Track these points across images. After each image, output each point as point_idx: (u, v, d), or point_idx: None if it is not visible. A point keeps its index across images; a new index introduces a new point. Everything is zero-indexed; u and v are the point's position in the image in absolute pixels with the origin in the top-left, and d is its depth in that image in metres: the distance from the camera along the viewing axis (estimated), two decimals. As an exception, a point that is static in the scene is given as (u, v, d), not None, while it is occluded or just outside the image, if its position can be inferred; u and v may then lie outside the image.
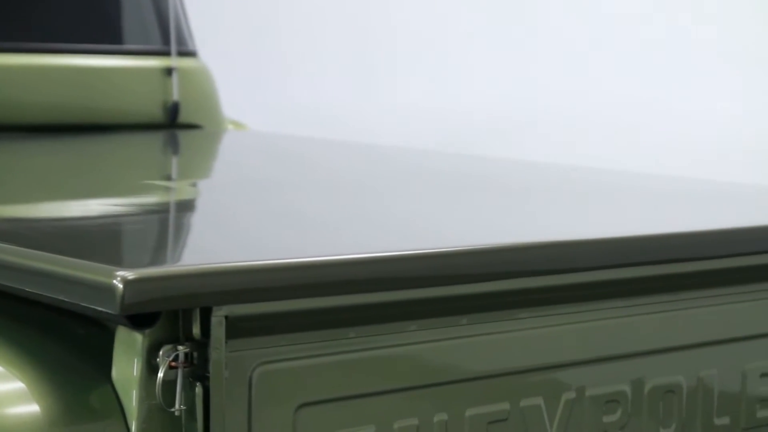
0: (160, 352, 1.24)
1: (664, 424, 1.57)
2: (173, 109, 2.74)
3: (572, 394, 1.50)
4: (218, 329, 1.23)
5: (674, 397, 1.58)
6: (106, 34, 2.76)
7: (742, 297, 1.63)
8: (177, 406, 1.25)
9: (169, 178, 2.27)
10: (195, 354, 1.25)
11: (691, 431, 1.60)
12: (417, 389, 1.39)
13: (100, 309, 1.21)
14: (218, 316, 1.23)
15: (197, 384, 1.25)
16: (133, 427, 1.25)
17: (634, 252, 1.50)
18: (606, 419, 1.53)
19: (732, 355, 1.63)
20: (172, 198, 1.92)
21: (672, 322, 1.57)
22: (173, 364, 1.24)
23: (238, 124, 3.13)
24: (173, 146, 2.78)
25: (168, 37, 2.76)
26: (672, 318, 1.57)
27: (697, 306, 1.59)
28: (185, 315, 1.25)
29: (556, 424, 1.49)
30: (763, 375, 1.65)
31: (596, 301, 1.50)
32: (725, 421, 1.63)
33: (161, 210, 1.79)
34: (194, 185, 2.14)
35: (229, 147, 2.89)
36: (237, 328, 1.25)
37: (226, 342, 1.24)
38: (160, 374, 1.24)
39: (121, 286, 1.17)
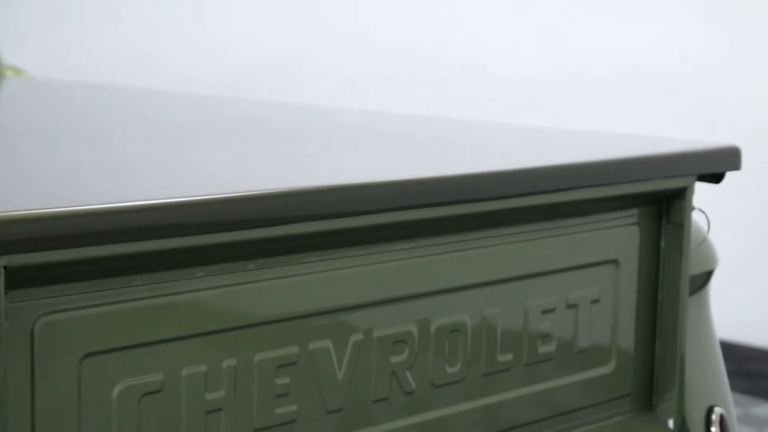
0: (-64, 306, 1.21)
1: (450, 363, 1.61)
2: (-53, 55, 2.64)
3: (360, 336, 1.51)
4: (-3, 280, 1.20)
5: (459, 336, 1.61)
6: None
7: (523, 236, 1.67)
8: (-44, 360, 1.21)
9: (-55, 126, 2.19)
10: (-26, 306, 1.22)
11: (476, 368, 1.63)
12: (205, 335, 1.39)
13: None
14: (-4, 267, 1.20)
15: (-24, 337, 1.22)
16: None
17: (417, 194, 1.52)
18: (394, 360, 1.55)
19: (514, 294, 1.67)
20: (-51, 147, 1.86)
21: (456, 263, 1.60)
22: (-50, 317, 1.21)
23: (17, 70, 3.04)
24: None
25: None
26: (456, 259, 1.60)
27: (480, 246, 1.62)
28: (-37, 266, 1.21)
29: (345, 365, 1.50)
30: (544, 312, 1.70)
31: (382, 244, 1.52)
32: (508, 357, 1.67)
33: (-63, 159, 1.73)
34: (-28, 133, 2.07)
35: (8, 94, 2.80)
36: (17, 279, 1.22)
37: (5, 293, 1.21)
38: (-63, 328, 1.21)
39: None
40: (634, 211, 1.79)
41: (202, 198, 1.35)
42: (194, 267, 1.37)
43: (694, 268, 1.88)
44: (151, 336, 1.34)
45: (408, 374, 1.56)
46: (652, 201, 1.81)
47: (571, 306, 1.73)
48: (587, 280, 1.75)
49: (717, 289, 2.26)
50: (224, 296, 1.40)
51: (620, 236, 1.78)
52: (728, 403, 1.96)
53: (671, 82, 5.08)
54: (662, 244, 1.82)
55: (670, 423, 1.83)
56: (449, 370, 1.61)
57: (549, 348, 1.71)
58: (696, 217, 1.87)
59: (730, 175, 1.84)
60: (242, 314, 1.42)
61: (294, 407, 1.46)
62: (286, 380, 1.45)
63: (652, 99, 5.12)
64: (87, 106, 2.60)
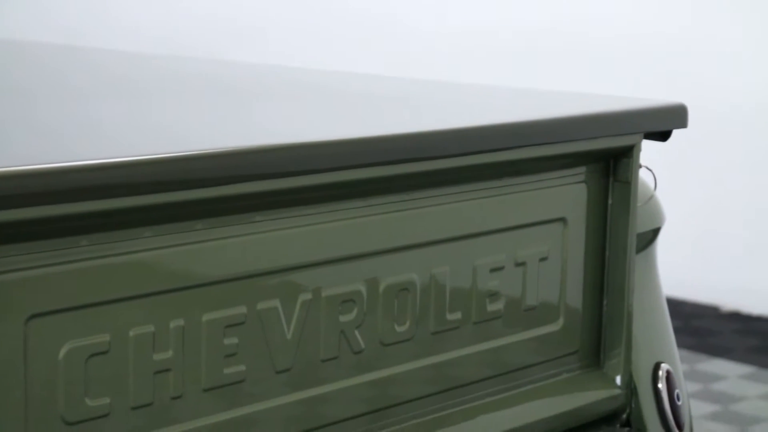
0: None
1: (398, 321, 1.61)
2: None
3: (308, 296, 1.51)
4: (-59, 241, 1.19)
5: (408, 295, 1.61)
6: None
7: (472, 195, 1.67)
8: None
9: None
10: None
11: (425, 327, 1.64)
12: (152, 296, 1.38)
13: None
14: (-59, 228, 1.19)
15: None
16: None
17: (365, 153, 1.51)
18: (342, 318, 1.55)
19: (462, 252, 1.67)
20: None
21: (404, 222, 1.60)
22: None
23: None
24: None
25: None
26: (404, 217, 1.60)
27: (428, 205, 1.62)
28: None
29: (293, 325, 1.50)
30: (493, 270, 1.70)
31: (330, 203, 1.51)
32: (457, 316, 1.67)
33: None
34: None
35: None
36: (-39, 240, 1.21)
37: (-51, 254, 1.20)
38: None
39: None
40: (582, 169, 1.80)
41: (148, 157, 1.34)
42: (141, 227, 1.36)
43: (641, 225, 1.89)
44: (98, 296, 1.33)
45: (357, 333, 1.56)
46: (600, 159, 1.81)
47: (520, 264, 1.74)
48: (535, 238, 1.76)
49: (664, 247, 2.27)
50: (171, 256, 1.39)
51: (568, 194, 1.79)
52: (675, 360, 1.98)
53: (625, 45, 5.10)
54: (609, 201, 1.83)
55: (618, 379, 1.85)
56: (398, 328, 1.61)
57: (497, 306, 1.72)
58: (643, 174, 1.88)
59: (676, 133, 1.84)
60: (190, 274, 1.41)
61: (242, 367, 1.46)
62: (235, 340, 1.44)
63: (604, 63, 5.14)
64: (37, 65, 2.57)
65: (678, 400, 1.91)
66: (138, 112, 1.82)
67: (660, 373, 1.91)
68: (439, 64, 5.37)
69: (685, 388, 1.98)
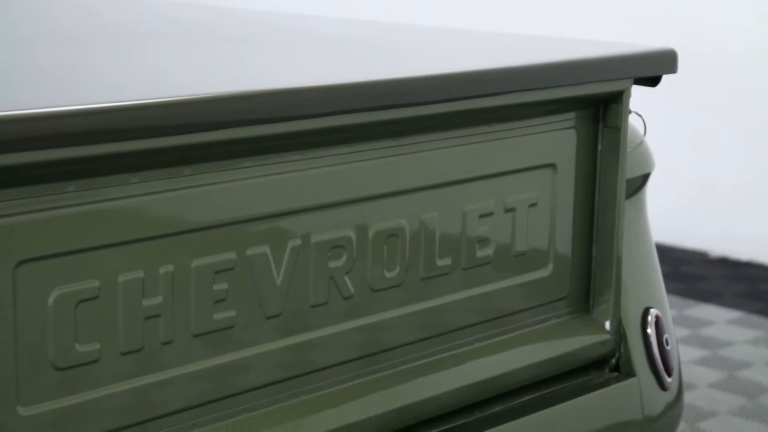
0: None
1: (388, 267, 1.61)
2: None
3: (298, 242, 1.51)
4: (-72, 187, 1.18)
5: (398, 241, 1.61)
6: None
7: (461, 141, 1.66)
8: None
9: None
10: None
11: (415, 273, 1.64)
12: (141, 242, 1.38)
13: None
14: (-73, 174, 1.18)
15: None
16: None
17: (355, 98, 1.50)
18: (332, 264, 1.55)
19: (452, 198, 1.66)
20: None
21: (394, 167, 1.59)
22: None
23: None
24: None
25: None
26: (394, 163, 1.59)
27: (418, 151, 1.61)
28: None
29: (283, 271, 1.50)
30: (482, 216, 1.70)
31: (319, 149, 1.51)
32: (447, 261, 1.67)
33: None
34: None
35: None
36: (-52, 186, 1.20)
37: (-63, 200, 1.19)
38: None
39: None
40: (571, 115, 1.79)
41: (136, 102, 1.33)
42: (129, 173, 1.35)
43: (630, 171, 1.89)
44: (86, 242, 1.33)
45: (346, 279, 1.56)
46: (589, 104, 1.81)
47: (509, 210, 1.74)
48: (525, 184, 1.75)
49: (653, 193, 2.27)
50: (160, 202, 1.38)
51: (557, 140, 1.78)
52: (664, 305, 1.99)
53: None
54: (599, 147, 1.83)
55: (607, 324, 1.85)
56: (388, 274, 1.61)
57: (487, 252, 1.72)
58: (633, 120, 1.87)
59: (666, 79, 1.84)
60: (178, 220, 1.41)
61: (232, 313, 1.46)
62: (224, 286, 1.44)
63: (592, 8, 5.12)
64: (26, 11, 2.55)
65: (667, 345, 1.92)
66: (126, 57, 1.81)
67: (649, 318, 1.91)
68: (424, 14, 5.35)
69: (673, 333, 1.99)
